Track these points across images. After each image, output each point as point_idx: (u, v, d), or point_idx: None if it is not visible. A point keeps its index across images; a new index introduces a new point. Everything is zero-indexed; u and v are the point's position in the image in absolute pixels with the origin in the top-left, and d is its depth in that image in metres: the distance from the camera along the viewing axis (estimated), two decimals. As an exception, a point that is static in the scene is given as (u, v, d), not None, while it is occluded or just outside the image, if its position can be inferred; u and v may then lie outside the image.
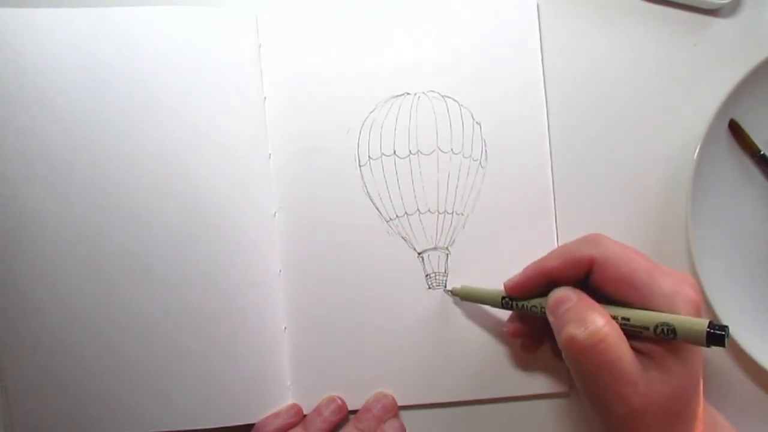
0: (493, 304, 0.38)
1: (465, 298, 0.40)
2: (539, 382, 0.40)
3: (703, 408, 0.33)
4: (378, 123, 0.41)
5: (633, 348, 0.31)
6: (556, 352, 0.40)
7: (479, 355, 0.40)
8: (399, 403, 0.40)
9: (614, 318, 0.32)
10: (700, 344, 0.30)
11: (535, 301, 0.36)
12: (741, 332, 0.38)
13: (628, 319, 0.32)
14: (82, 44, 0.39)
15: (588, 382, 0.32)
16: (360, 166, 0.41)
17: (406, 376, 0.40)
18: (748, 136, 0.40)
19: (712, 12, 0.42)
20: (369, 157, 0.41)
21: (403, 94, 0.41)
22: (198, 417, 0.39)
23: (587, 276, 0.34)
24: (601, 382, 0.31)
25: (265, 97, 0.41)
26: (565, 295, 0.33)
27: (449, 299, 0.40)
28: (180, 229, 0.39)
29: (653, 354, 0.31)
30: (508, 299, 0.37)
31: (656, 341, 0.31)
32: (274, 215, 0.41)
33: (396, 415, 0.40)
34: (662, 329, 0.30)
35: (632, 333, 0.31)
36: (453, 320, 0.40)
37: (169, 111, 0.39)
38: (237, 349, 0.39)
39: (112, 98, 0.39)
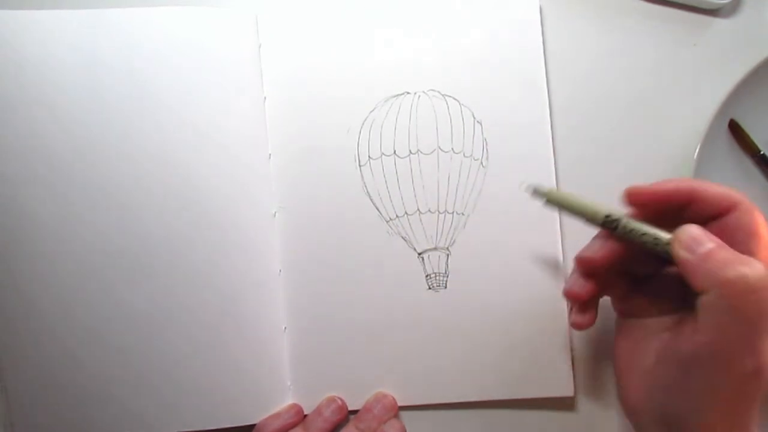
0: (590, 219, 0.33)
1: (553, 201, 0.35)
2: (543, 385, 0.40)
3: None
4: (378, 122, 0.41)
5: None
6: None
7: (481, 356, 0.40)
8: (399, 404, 0.40)
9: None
10: None
11: (652, 230, 0.31)
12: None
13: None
14: (83, 45, 0.39)
15: (739, 329, 0.28)
16: (360, 165, 0.41)
17: (406, 376, 0.40)
18: (748, 136, 0.40)
19: (712, 12, 0.42)
20: (369, 156, 0.41)
21: (403, 94, 0.41)
22: (198, 418, 0.39)
23: (708, 220, 0.31)
24: (753, 330, 0.28)
25: (265, 97, 0.41)
26: (704, 234, 0.30)
27: (449, 299, 0.40)
28: (180, 229, 0.39)
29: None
30: (614, 219, 0.32)
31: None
32: (274, 215, 0.41)
33: (396, 415, 0.40)
34: None
35: None
36: (453, 321, 0.40)
37: (169, 111, 0.39)
38: (237, 349, 0.39)
39: (112, 98, 0.39)
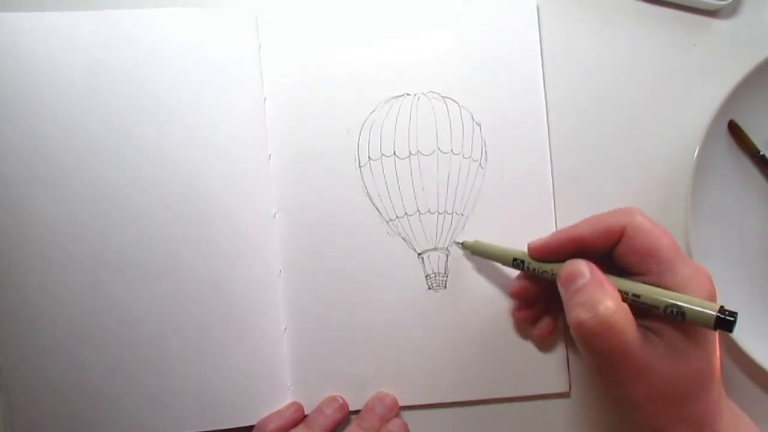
0: (503, 263, 0.38)
1: (475, 252, 0.40)
2: (540, 383, 0.40)
3: (720, 395, 0.33)
4: (378, 124, 0.41)
5: (644, 326, 0.32)
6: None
7: (480, 355, 0.40)
8: (399, 404, 0.40)
9: (625, 294, 0.32)
10: (708, 327, 0.30)
11: (548, 267, 0.36)
12: (741, 332, 0.38)
13: (638, 296, 0.32)
14: (83, 46, 0.39)
15: (596, 363, 0.32)
16: (360, 166, 0.41)
17: (406, 376, 0.40)
18: (747, 137, 0.40)
19: (712, 12, 0.42)
20: (369, 157, 0.41)
21: (402, 95, 0.41)
22: (198, 418, 0.39)
23: (613, 248, 0.34)
24: (609, 364, 0.31)
25: (265, 98, 0.41)
26: (578, 271, 0.33)
27: (449, 299, 0.40)
28: (180, 229, 0.39)
29: (664, 334, 0.32)
30: (520, 261, 0.37)
31: (667, 321, 0.32)
32: (274, 216, 0.41)
33: (398, 414, 0.40)
34: (672, 310, 0.31)
35: (643, 309, 0.32)
36: (453, 320, 0.40)
37: (169, 112, 0.39)
38: (237, 349, 0.39)
39: (112, 99, 0.39)
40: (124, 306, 0.39)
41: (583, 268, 0.33)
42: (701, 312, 0.30)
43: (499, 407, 0.41)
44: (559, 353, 0.40)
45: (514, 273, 0.40)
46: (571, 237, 0.35)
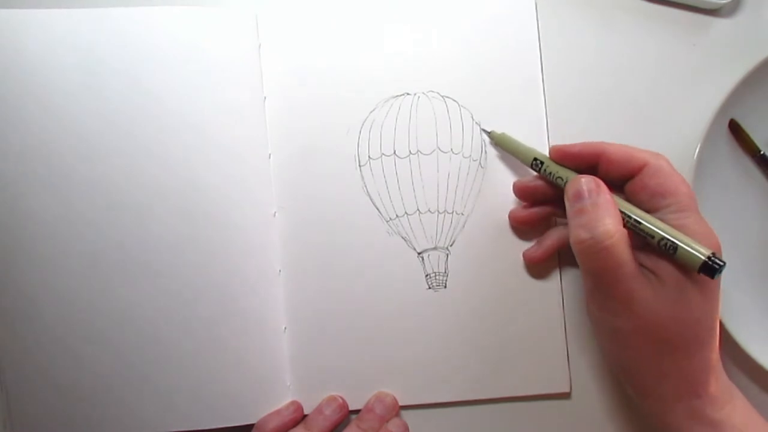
0: (524, 160, 0.39)
1: (500, 143, 0.40)
2: (540, 382, 0.40)
3: (717, 362, 0.33)
4: (378, 123, 0.41)
5: (645, 266, 0.33)
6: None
7: (480, 355, 0.40)
8: (399, 404, 0.40)
9: (627, 216, 0.33)
10: (693, 268, 0.31)
11: (564, 173, 0.36)
12: (741, 332, 0.38)
13: (639, 223, 0.33)
14: (82, 44, 0.39)
15: (592, 282, 0.33)
16: (360, 166, 0.41)
17: (406, 376, 0.40)
18: (748, 136, 0.40)
19: (712, 12, 0.42)
20: (369, 157, 0.41)
21: (403, 94, 0.41)
22: (197, 417, 0.39)
23: (626, 180, 0.35)
24: (602, 285, 0.33)
25: (265, 97, 0.41)
26: (588, 188, 0.34)
27: (449, 299, 0.40)
28: (179, 228, 0.39)
29: (666, 278, 0.32)
30: (539, 162, 0.37)
31: (667, 260, 0.33)
32: (274, 215, 0.41)
33: (398, 414, 0.40)
34: (665, 243, 0.32)
35: (642, 239, 0.33)
36: (453, 320, 0.40)
37: (168, 111, 0.39)
38: (237, 349, 0.39)
39: (111, 98, 0.39)
40: (124, 306, 0.39)
41: (591, 185, 0.34)
42: (691, 252, 0.31)
43: (500, 407, 0.40)
44: (559, 353, 0.40)
45: (514, 274, 0.40)
46: (593, 149, 0.36)
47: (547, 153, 0.38)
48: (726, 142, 0.40)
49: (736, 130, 0.40)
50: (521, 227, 0.40)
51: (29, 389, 0.38)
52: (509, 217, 0.40)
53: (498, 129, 0.40)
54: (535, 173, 0.39)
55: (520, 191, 0.39)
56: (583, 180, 0.34)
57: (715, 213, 0.40)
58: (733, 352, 0.40)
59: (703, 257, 0.31)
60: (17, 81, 0.39)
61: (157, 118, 0.39)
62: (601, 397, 0.41)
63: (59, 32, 0.39)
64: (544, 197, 0.39)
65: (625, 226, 0.33)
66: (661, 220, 0.33)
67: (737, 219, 0.41)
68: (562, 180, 0.36)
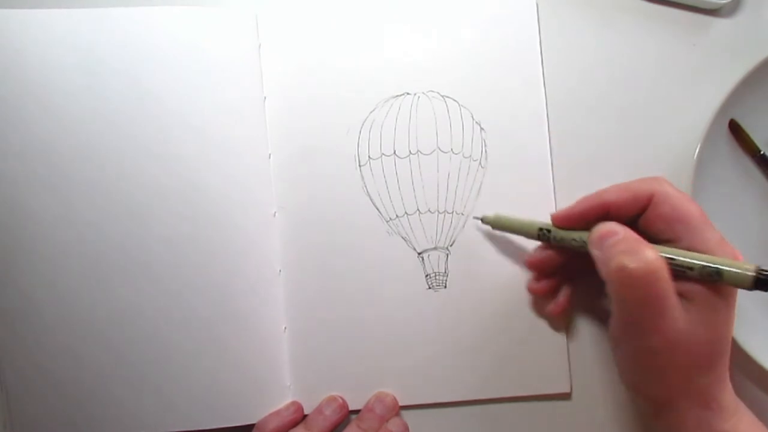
0: (528, 235, 0.38)
1: (497, 226, 0.39)
2: (541, 383, 0.40)
3: (727, 368, 0.33)
4: (378, 123, 0.41)
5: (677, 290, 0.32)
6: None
7: (480, 355, 0.40)
8: (399, 404, 0.40)
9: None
10: (744, 287, 0.31)
11: (576, 234, 0.36)
12: (741, 332, 0.38)
13: (672, 259, 0.32)
14: (82, 44, 0.39)
15: (631, 312, 0.32)
16: (360, 166, 0.41)
17: (407, 376, 0.40)
18: (748, 136, 0.40)
19: (712, 12, 0.42)
20: (369, 157, 0.41)
21: (403, 94, 0.41)
22: (197, 417, 0.39)
23: (638, 215, 0.34)
24: (645, 314, 0.31)
25: (265, 97, 0.41)
26: (612, 229, 0.33)
27: (449, 299, 0.40)
28: (179, 228, 0.39)
29: (695, 298, 0.32)
30: (546, 231, 0.37)
31: (701, 284, 0.32)
32: (274, 215, 0.41)
33: (398, 414, 0.40)
34: (708, 270, 0.31)
35: (676, 273, 0.32)
36: (453, 320, 0.40)
37: (168, 111, 0.39)
38: (237, 349, 0.39)
39: (112, 98, 0.39)
40: (124, 305, 0.39)
41: (616, 226, 0.33)
42: (738, 272, 0.31)
43: (500, 407, 0.40)
44: (560, 354, 0.40)
45: (514, 274, 0.40)
46: (596, 204, 0.35)
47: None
48: (726, 142, 0.40)
49: (736, 130, 0.40)
50: (541, 297, 0.40)
51: (29, 389, 0.38)
52: (528, 290, 0.40)
53: (487, 214, 0.40)
54: (541, 242, 0.38)
55: (535, 266, 0.39)
56: (607, 224, 0.33)
57: (715, 213, 0.40)
58: (733, 352, 0.40)
59: (752, 274, 0.30)
60: (17, 81, 0.39)
61: (157, 118, 0.39)
62: (602, 397, 0.41)
63: (59, 32, 0.39)
64: (557, 263, 0.38)
65: None
66: (686, 245, 0.33)
67: (737, 219, 0.41)
68: (576, 241, 0.36)
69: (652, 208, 0.34)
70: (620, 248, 0.32)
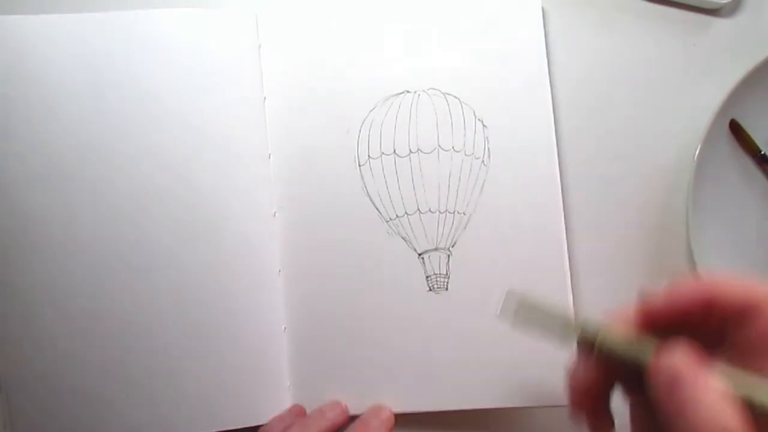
0: (558, 335, 0.28)
1: (525, 319, 0.30)
2: (545, 391, 0.39)
3: None
4: (378, 122, 0.41)
5: None
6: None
7: (480, 360, 0.39)
8: (398, 409, 0.39)
9: (751, 403, 0.23)
10: None
11: (633, 349, 0.26)
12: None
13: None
14: (84, 48, 0.39)
15: None
16: (360, 165, 0.41)
17: (407, 377, 0.39)
18: (748, 136, 0.40)
19: (712, 12, 0.43)
20: (369, 156, 0.41)
21: (403, 92, 0.41)
22: (197, 419, 0.38)
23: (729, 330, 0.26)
24: None
25: (264, 97, 0.41)
26: (684, 373, 0.24)
27: (450, 301, 0.39)
28: (179, 228, 0.39)
29: None
30: (588, 336, 0.27)
31: None
32: (274, 215, 0.40)
33: (392, 430, 0.38)
34: None
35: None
36: (454, 323, 0.40)
37: (169, 111, 0.39)
38: (236, 349, 0.39)
39: (112, 99, 0.39)
40: (124, 306, 0.39)
41: (691, 367, 0.24)
42: None
43: (503, 414, 0.40)
44: (563, 362, 0.39)
45: (518, 276, 0.39)
46: (699, 297, 0.26)
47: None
48: (726, 142, 0.40)
49: (736, 130, 0.40)
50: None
51: (29, 391, 0.38)
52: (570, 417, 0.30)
53: (517, 290, 0.31)
54: (577, 349, 0.29)
55: (579, 394, 0.29)
56: (678, 355, 0.25)
57: (716, 213, 0.40)
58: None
59: None
60: (20, 83, 0.39)
61: (157, 118, 0.39)
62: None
63: (61, 36, 0.39)
64: (604, 382, 0.29)
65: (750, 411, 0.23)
66: None
67: (738, 219, 0.41)
68: (632, 360, 0.26)
69: (760, 322, 0.25)
70: (699, 414, 0.23)
